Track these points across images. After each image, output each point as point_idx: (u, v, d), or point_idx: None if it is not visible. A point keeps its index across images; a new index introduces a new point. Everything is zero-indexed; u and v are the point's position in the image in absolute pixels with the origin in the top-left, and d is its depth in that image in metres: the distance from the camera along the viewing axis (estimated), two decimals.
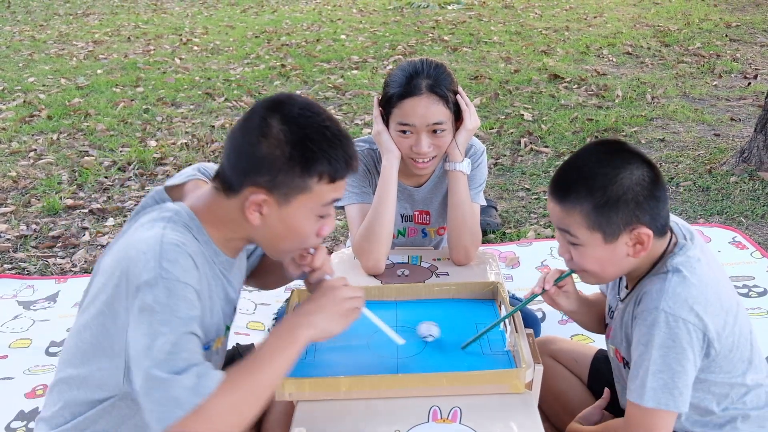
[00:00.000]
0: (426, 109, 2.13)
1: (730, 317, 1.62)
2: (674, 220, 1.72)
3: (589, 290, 1.96)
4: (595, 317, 1.97)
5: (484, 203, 2.41)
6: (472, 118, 2.22)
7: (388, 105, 2.20)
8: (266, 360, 1.44)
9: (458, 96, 2.21)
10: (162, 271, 1.35)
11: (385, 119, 2.24)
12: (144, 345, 1.33)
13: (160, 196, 1.60)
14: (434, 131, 2.17)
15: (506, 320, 1.82)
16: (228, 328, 1.70)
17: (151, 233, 1.42)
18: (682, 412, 1.58)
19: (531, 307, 2.84)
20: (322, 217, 1.53)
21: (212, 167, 1.68)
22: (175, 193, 1.61)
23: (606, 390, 2.00)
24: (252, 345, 2.09)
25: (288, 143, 1.43)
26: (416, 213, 2.45)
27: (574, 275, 1.75)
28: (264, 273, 1.89)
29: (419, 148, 2.18)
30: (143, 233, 1.43)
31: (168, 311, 1.34)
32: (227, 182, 1.48)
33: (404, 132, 2.18)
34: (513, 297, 2.60)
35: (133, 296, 1.36)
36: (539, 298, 1.85)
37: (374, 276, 2.25)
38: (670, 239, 1.67)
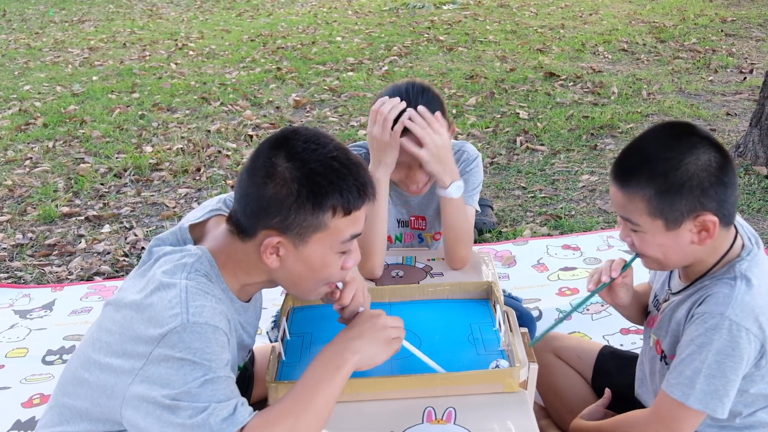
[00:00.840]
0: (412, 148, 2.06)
1: None
2: (738, 221, 1.66)
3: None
4: (639, 308, 1.93)
5: (478, 209, 2.38)
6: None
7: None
8: (317, 387, 1.41)
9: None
10: (190, 316, 1.32)
11: None
12: (167, 394, 1.30)
13: (182, 236, 1.55)
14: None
15: (501, 320, 1.81)
16: (240, 367, 1.69)
17: (174, 280, 1.38)
18: (722, 417, 1.55)
19: (526, 305, 2.83)
20: (344, 253, 1.48)
21: None
22: (197, 230, 1.57)
23: (607, 390, 1.99)
24: (251, 353, 2.08)
25: (294, 180, 1.37)
26: (412, 218, 2.44)
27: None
28: None
29: (413, 178, 2.17)
30: (165, 280, 1.38)
31: (200, 355, 1.31)
32: (241, 227, 1.44)
33: (398, 167, 2.13)
34: (508, 296, 2.59)
35: (155, 343, 1.32)
36: (587, 301, 1.82)
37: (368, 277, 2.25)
38: (736, 237, 1.61)
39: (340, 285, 1.61)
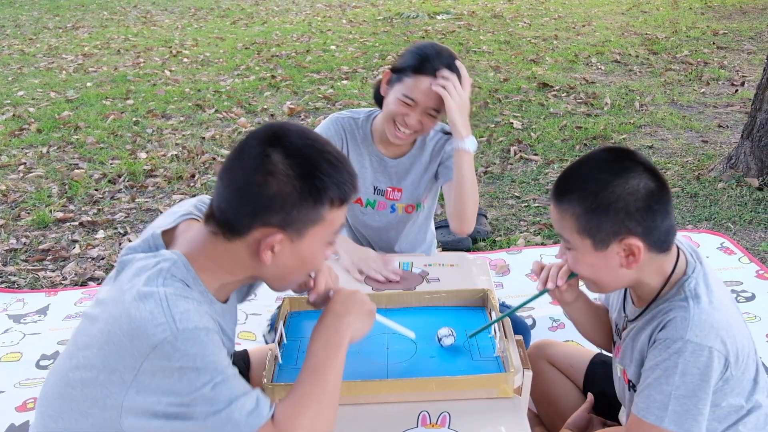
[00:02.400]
0: (431, 91, 2.24)
1: (742, 338, 1.59)
2: (678, 240, 1.67)
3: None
4: (600, 327, 1.94)
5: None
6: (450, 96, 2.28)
7: (401, 73, 2.29)
8: (326, 368, 1.45)
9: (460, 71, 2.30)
10: (177, 324, 1.28)
11: (390, 83, 2.34)
12: (173, 401, 1.28)
13: (155, 242, 1.51)
14: (428, 113, 2.30)
15: (496, 326, 1.83)
16: None
17: (151, 289, 1.34)
18: None
19: (521, 313, 2.85)
20: (330, 243, 1.50)
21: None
22: (167, 235, 1.54)
23: (590, 394, 2.00)
24: (245, 351, 2.08)
25: (298, 177, 1.37)
26: (389, 189, 2.54)
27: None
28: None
29: (410, 119, 2.29)
30: (143, 289, 1.34)
31: (201, 360, 1.29)
32: (229, 225, 1.40)
33: (404, 103, 2.28)
34: (503, 305, 2.61)
35: (144, 356, 1.28)
36: (529, 302, 1.85)
37: (365, 282, 2.26)
38: (678, 256, 1.63)
39: (311, 274, 1.65)
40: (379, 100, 2.42)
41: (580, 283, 1.77)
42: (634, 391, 1.70)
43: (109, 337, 1.32)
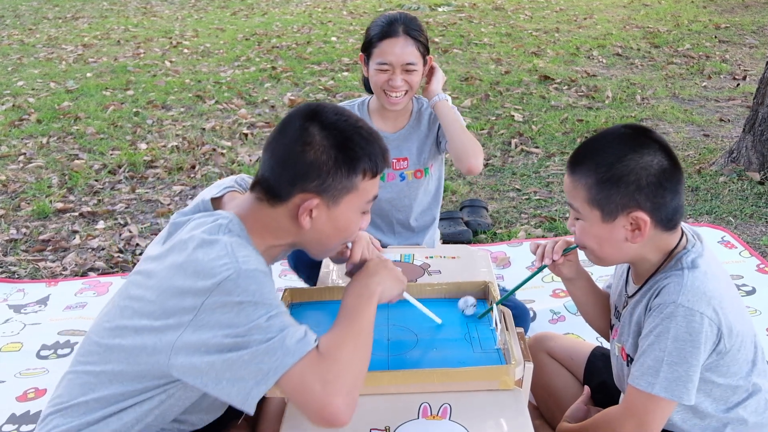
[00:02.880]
0: (402, 49, 2.46)
1: (738, 315, 1.62)
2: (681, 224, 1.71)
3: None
4: (601, 311, 1.97)
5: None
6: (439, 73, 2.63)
7: (369, 47, 2.51)
8: (359, 315, 1.54)
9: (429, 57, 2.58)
10: (241, 264, 1.40)
11: (367, 64, 2.54)
12: (230, 333, 1.37)
13: (204, 207, 1.64)
14: (407, 70, 2.47)
15: (497, 318, 1.83)
16: None
17: (215, 237, 1.46)
18: (689, 404, 1.59)
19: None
20: (364, 213, 1.63)
21: (249, 179, 1.77)
22: (214, 204, 1.67)
23: (586, 387, 2.01)
24: None
25: (333, 147, 1.51)
26: (394, 160, 2.67)
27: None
28: None
29: (394, 82, 2.48)
30: (206, 237, 1.46)
31: (259, 296, 1.39)
32: (272, 192, 1.54)
33: (382, 70, 2.47)
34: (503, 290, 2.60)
35: (207, 293, 1.38)
36: (529, 280, 1.89)
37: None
38: (681, 237, 1.67)
39: (349, 244, 1.78)
40: (368, 87, 2.62)
41: (582, 255, 1.80)
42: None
43: (171, 283, 1.44)
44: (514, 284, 3.08)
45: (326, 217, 1.56)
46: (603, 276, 2.82)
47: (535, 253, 1.90)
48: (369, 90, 2.63)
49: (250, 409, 1.38)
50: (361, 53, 2.59)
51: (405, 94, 2.52)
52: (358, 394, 1.42)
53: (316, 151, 1.50)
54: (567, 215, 3.80)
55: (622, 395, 1.89)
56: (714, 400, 1.66)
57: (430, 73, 2.63)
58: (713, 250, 1.71)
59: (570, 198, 1.66)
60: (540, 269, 1.87)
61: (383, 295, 1.65)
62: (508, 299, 1.91)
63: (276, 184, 1.54)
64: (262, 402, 1.95)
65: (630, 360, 1.73)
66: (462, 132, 2.52)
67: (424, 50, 2.53)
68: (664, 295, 1.58)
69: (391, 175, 2.68)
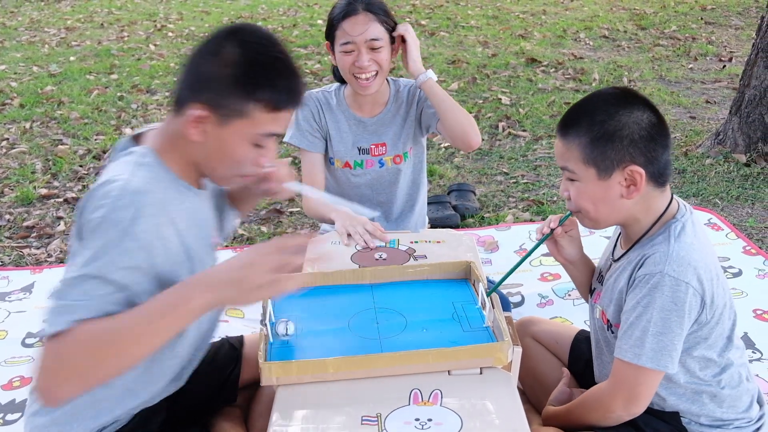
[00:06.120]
0: (363, 26, 2.40)
1: (719, 288, 1.65)
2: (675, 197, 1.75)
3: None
4: (590, 277, 2.00)
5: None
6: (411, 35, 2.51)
7: (332, 31, 2.45)
8: (164, 316, 1.35)
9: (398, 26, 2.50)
10: (111, 214, 1.35)
11: (333, 50, 2.48)
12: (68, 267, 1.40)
13: (125, 145, 1.60)
14: (373, 48, 2.42)
15: (484, 297, 1.84)
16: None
17: (116, 175, 1.42)
18: (673, 372, 1.62)
19: (509, 290, 2.85)
20: (260, 147, 1.53)
21: None
22: (140, 140, 1.61)
23: (565, 369, 2.02)
24: (241, 336, 2.07)
25: (238, 65, 1.45)
26: (372, 146, 2.64)
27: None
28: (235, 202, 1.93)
29: (360, 62, 2.41)
30: (108, 176, 1.44)
31: (101, 251, 1.34)
32: (177, 100, 1.51)
33: (347, 52, 2.42)
34: (490, 281, 2.60)
35: (81, 232, 1.39)
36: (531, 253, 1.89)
37: (352, 260, 2.25)
38: (671, 202, 1.70)
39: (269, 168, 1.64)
40: (339, 77, 2.58)
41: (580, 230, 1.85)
42: (611, 332, 1.75)
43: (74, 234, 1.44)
44: (502, 267, 3.11)
45: (215, 136, 1.48)
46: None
47: (541, 232, 1.92)
48: (340, 80, 2.59)
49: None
50: (326, 42, 2.52)
51: (375, 75, 2.46)
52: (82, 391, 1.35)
53: (219, 65, 1.45)
54: (554, 198, 3.82)
55: (595, 367, 1.91)
56: (687, 370, 1.68)
57: (404, 48, 2.52)
58: (699, 219, 1.74)
59: (563, 161, 1.69)
60: (542, 240, 1.89)
61: (214, 304, 1.39)
62: (495, 287, 1.91)
63: (179, 90, 1.51)
64: (255, 390, 1.94)
65: (609, 324, 1.76)
66: (457, 108, 2.49)
67: (389, 27, 2.46)
68: (650, 266, 1.61)
69: (369, 161, 2.66)
